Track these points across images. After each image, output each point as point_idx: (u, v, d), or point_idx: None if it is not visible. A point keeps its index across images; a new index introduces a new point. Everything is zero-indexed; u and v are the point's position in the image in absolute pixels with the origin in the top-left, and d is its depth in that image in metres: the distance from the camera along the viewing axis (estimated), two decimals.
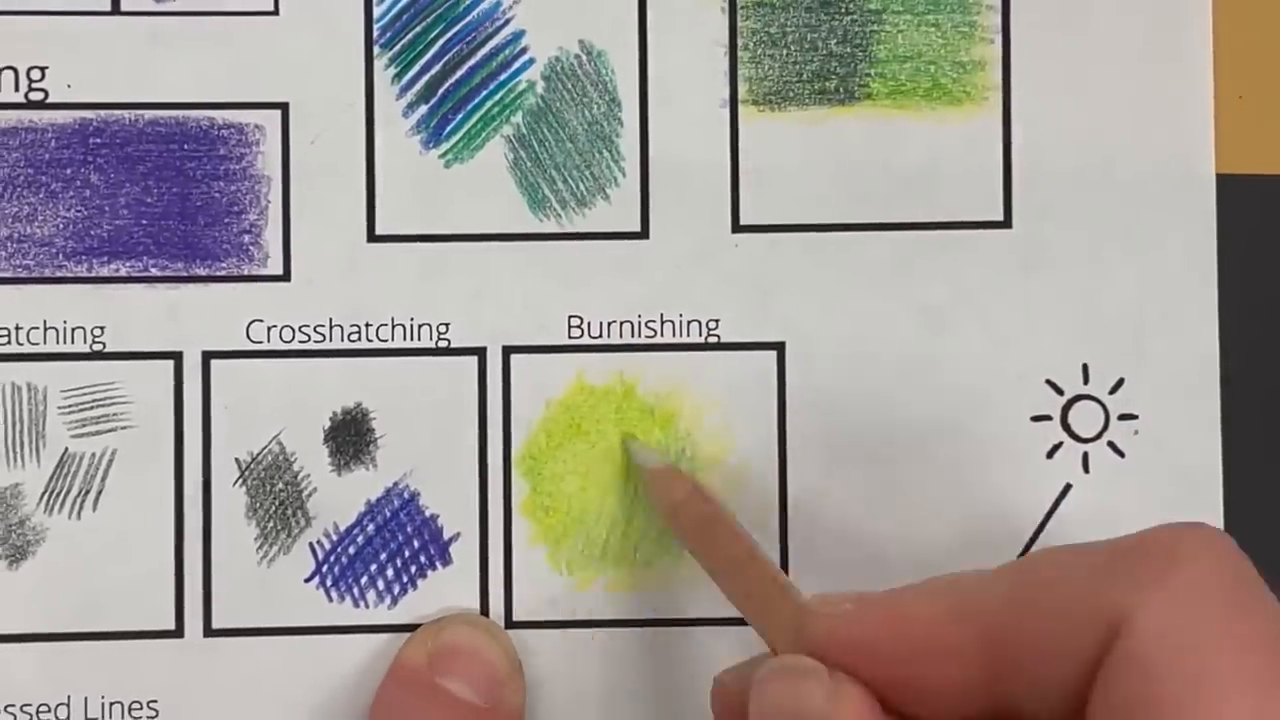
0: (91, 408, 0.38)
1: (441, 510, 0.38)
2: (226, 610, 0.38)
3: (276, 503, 0.38)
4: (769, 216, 0.39)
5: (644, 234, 0.39)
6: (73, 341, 0.38)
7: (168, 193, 0.38)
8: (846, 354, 0.39)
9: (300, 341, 0.38)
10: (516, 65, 0.39)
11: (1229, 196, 0.39)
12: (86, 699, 0.37)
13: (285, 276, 0.38)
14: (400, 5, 0.38)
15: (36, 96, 0.38)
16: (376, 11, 0.38)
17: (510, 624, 0.38)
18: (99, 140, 0.38)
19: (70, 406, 0.38)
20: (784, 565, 0.38)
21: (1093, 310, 0.39)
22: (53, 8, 0.38)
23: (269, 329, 0.38)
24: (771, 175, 0.39)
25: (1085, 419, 0.39)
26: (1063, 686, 0.25)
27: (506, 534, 0.38)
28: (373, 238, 0.38)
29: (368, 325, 0.38)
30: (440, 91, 0.38)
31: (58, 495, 0.38)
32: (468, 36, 0.39)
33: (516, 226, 0.38)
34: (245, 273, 0.38)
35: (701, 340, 0.39)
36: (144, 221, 0.38)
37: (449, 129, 0.38)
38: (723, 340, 0.39)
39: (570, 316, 0.38)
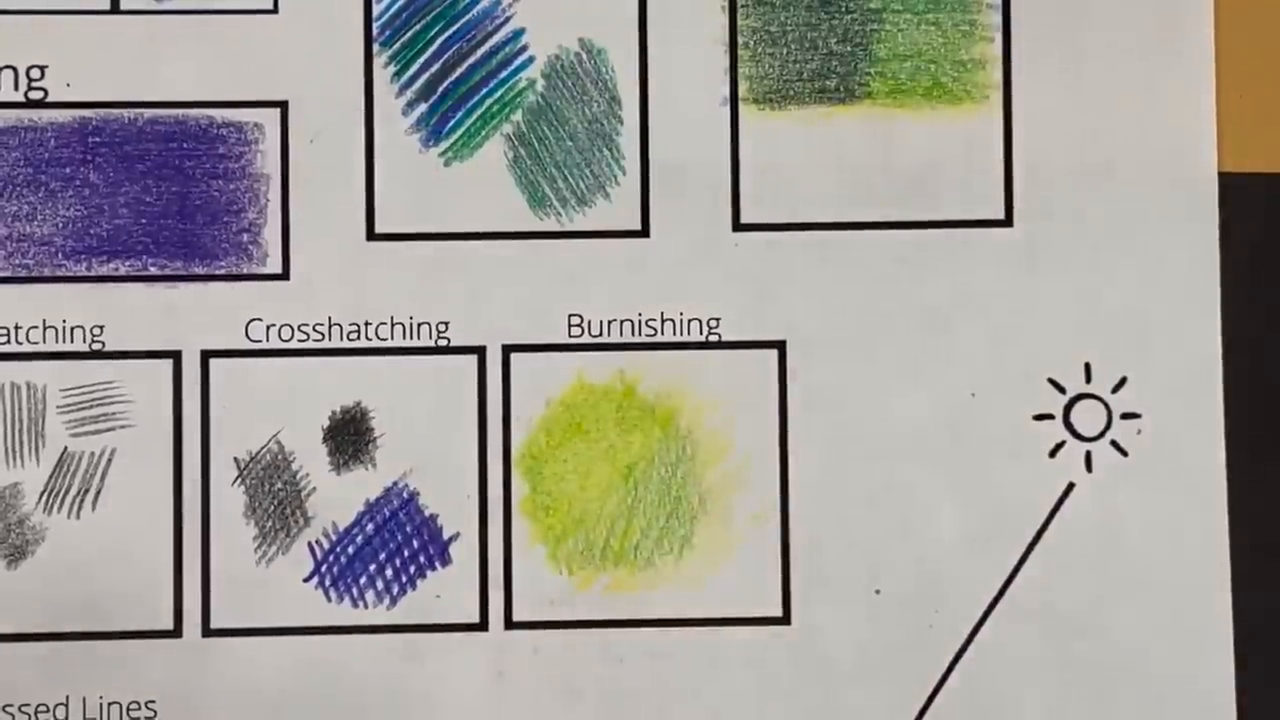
0: (90, 407, 0.38)
1: (441, 510, 0.38)
2: (225, 610, 0.38)
3: (275, 502, 0.38)
4: (769, 215, 0.39)
5: (644, 233, 0.39)
6: (72, 340, 0.38)
7: (167, 191, 0.38)
8: (847, 353, 0.39)
9: (299, 340, 0.38)
10: (516, 63, 0.39)
11: (1231, 194, 0.39)
12: (85, 699, 0.37)
13: (284, 275, 0.38)
14: (400, 3, 0.38)
15: (36, 95, 0.38)
16: (376, 10, 0.38)
17: (510, 624, 0.38)
18: (98, 139, 0.38)
19: (69, 405, 0.38)
20: (784, 565, 0.38)
21: (1095, 309, 0.39)
22: (52, 7, 0.38)
23: (268, 328, 0.38)
24: (772, 174, 0.39)
25: (1088, 418, 0.39)
26: None
27: (506, 534, 0.38)
28: (372, 236, 0.38)
29: (367, 324, 0.38)
30: (440, 89, 0.38)
31: (57, 494, 0.37)
32: (467, 34, 0.39)
33: (516, 225, 0.38)
34: (244, 271, 0.38)
35: (702, 339, 0.38)
36: (143, 220, 0.38)
37: (448, 127, 0.38)
38: (723, 339, 0.39)
39: (570, 315, 0.38)
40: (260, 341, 0.38)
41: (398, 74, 0.38)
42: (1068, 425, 0.39)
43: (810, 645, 0.38)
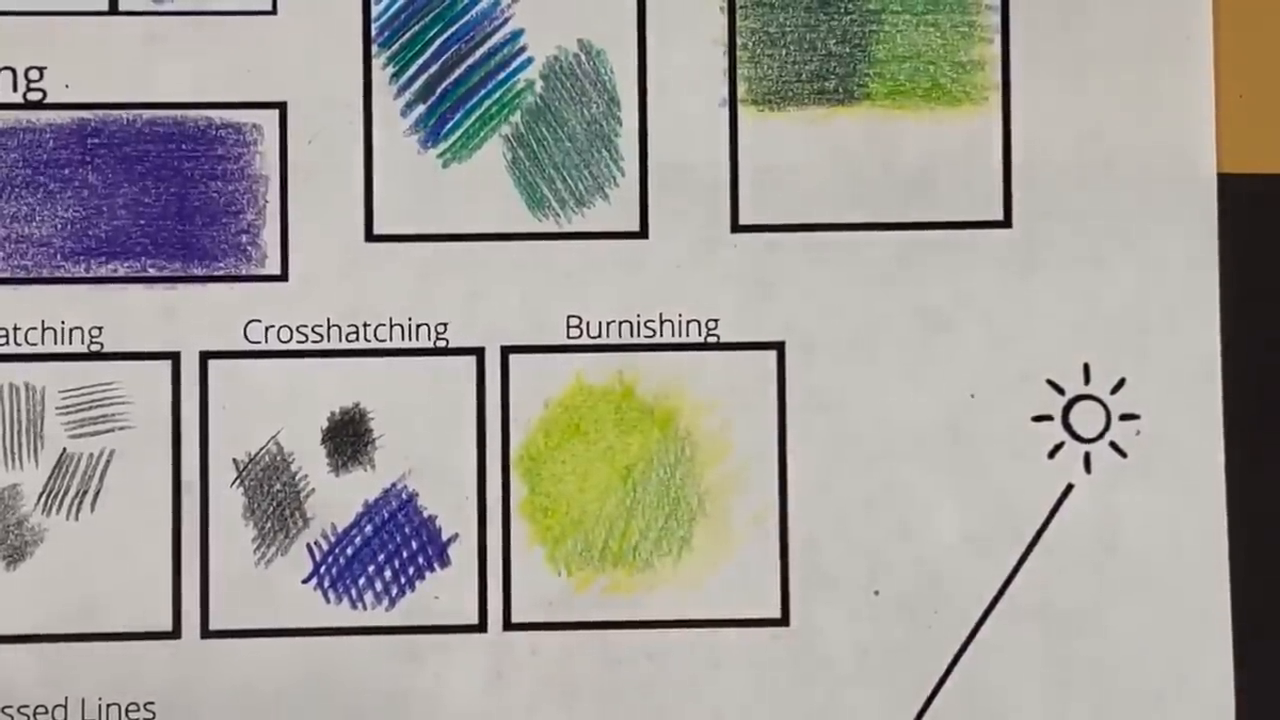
0: (89, 408, 0.38)
1: (440, 511, 0.38)
2: (224, 611, 0.38)
3: (274, 503, 0.38)
4: (768, 216, 0.39)
5: (643, 234, 0.39)
6: (70, 342, 0.38)
7: (165, 193, 0.38)
8: (846, 354, 0.39)
9: (298, 341, 0.38)
10: (515, 64, 0.39)
11: (1230, 195, 0.39)
12: (84, 700, 0.37)
13: (283, 276, 0.38)
14: (398, 4, 0.38)
15: (34, 96, 0.38)
16: (374, 10, 0.38)
17: (508, 625, 0.38)
18: (97, 140, 0.38)
19: (68, 407, 0.38)
20: (784, 565, 0.38)
21: (1094, 310, 0.39)
22: (51, 8, 0.38)
23: (267, 329, 0.38)
24: (771, 175, 0.39)
25: (1087, 419, 0.39)
26: None
27: (505, 535, 0.38)
28: (371, 237, 0.38)
29: (366, 325, 0.38)
30: (438, 90, 0.38)
31: (56, 495, 0.37)
32: (466, 35, 0.39)
33: (515, 226, 0.38)
34: (243, 272, 0.38)
35: (701, 340, 0.38)
36: (142, 221, 0.38)
37: (447, 128, 0.38)
38: (722, 340, 0.39)
39: (569, 316, 0.38)
40: (259, 343, 0.38)
41: (396, 75, 0.38)
42: (1067, 426, 0.39)
43: (809, 646, 0.38)
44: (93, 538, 0.37)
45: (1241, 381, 0.39)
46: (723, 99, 0.39)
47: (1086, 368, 0.39)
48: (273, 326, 0.38)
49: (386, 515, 0.38)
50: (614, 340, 0.38)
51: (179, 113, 0.38)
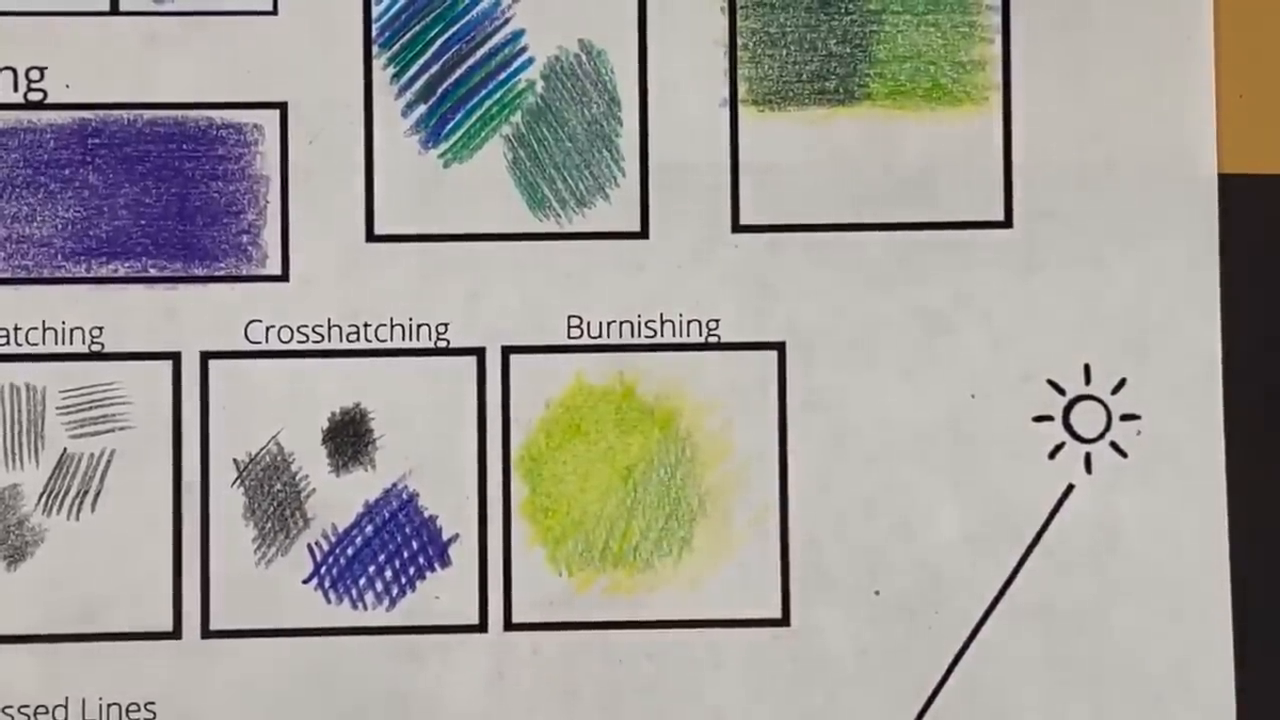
0: (90, 408, 0.38)
1: (440, 511, 0.38)
2: (224, 612, 0.38)
3: (274, 503, 0.38)
4: (769, 216, 0.39)
5: (644, 234, 0.39)
6: (71, 342, 0.38)
7: (166, 193, 0.38)
8: (846, 354, 0.39)
9: (299, 342, 0.38)
10: (516, 64, 0.39)
11: (1231, 196, 0.39)
12: (84, 700, 0.37)
13: (284, 276, 0.38)
14: (399, 4, 0.38)
15: (35, 97, 0.38)
16: (375, 11, 0.38)
17: (509, 626, 0.38)
18: (97, 140, 0.38)
19: (69, 407, 0.38)
20: (784, 565, 0.38)
21: (1094, 310, 0.39)
22: (52, 8, 0.38)
23: (267, 329, 0.38)
24: (771, 175, 0.39)
25: (1087, 419, 0.39)
26: None
27: (505, 535, 0.38)
28: (371, 237, 0.38)
29: (366, 325, 0.38)
30: (439, 91, 0.38)
31: (56, 496, 0.37)
32: (467, 36, 0.39)
33: (516, 226, 0.38)
34: (243, 273, 0.38)
35: (701, 340, 0.38)
36: (142, 222, 0.38)
37: (448, 128, 0.38)
38: (723, 340, 0.39)
39: (570, 316, 0.38)
40: (259, 343, 0.38)
41: (397, 75, 0.38)
42: (1067, 427, 0.39)
43: (810, 646, 0.38)
44: (93, 538, 0.37)
45: (1241, 381, 0.39)
46: (723, 99, 0.39)
47: (1087, 368, 0.39)
48: (273, 326, 0.38)
49: (387, 515, 0.38)
50: (614, 340, 0.38)
51: (179, 113, 0.38)
